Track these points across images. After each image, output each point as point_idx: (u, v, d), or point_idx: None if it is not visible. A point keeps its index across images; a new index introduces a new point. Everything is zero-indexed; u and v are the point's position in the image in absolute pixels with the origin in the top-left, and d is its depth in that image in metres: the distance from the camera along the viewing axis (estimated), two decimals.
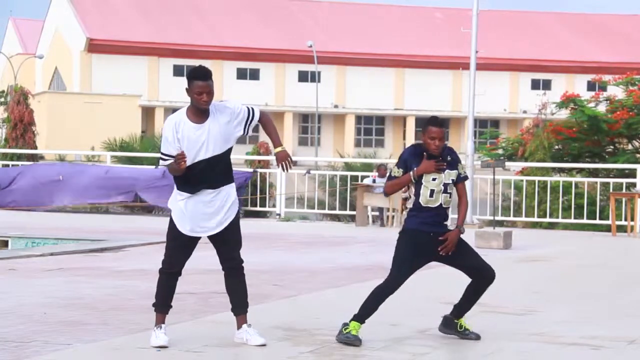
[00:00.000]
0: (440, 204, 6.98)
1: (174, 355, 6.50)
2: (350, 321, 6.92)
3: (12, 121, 26.35)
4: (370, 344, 6.84)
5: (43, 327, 7.42)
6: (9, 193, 23.57)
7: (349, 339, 6.84)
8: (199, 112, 6.68)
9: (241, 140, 7.03)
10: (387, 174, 7.09)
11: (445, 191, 6.98)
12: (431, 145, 6.97)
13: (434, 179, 6.95)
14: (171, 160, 6.68)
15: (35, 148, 26.85)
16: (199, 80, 6.61)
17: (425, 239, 6.97)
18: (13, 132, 26.32)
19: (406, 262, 6.98)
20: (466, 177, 7.18)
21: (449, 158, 7.04)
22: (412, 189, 7.04)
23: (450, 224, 7.17)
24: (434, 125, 6.99)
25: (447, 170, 6.99)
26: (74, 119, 64.01)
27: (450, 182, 7.01)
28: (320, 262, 12.96)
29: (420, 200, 6.98)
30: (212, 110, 6.71)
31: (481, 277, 7.10)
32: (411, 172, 6.95)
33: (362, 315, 6.95)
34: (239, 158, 24.15)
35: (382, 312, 7.09)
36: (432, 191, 6.95)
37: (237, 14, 78.36)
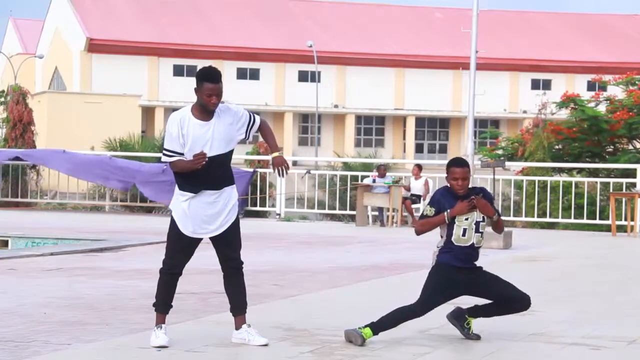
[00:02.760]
0: (473, 243, 6.99)
1: (174, 355, 6.50)
2: (365, 326, 6.91)
3: (12, 121, 26.38)
4: (371, 344, 6.84)
5: (43, 327, 7.42)
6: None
7: (357, 334, 6.84)
8: (205, 111, 6.70)
9: (241, 140, 7.04)
10: (420, 213, 7.07)
11: (477, 230, 6.98)
12: (455, 186, 6.97)
13: (466, 218, 6.96)
14: (177, 157, 6.68)
15: (34, 148, 26.87)
16: (210, 83, 6.62)
17: (457, 274, 6.99)
18: (12, 132, 26.35)
19: (435, 294, 6.99)
20: (499, 215, 7.15)
21: (480, 195, 7.02)
22: (444, 229, 7.03)
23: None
24: (457, 166, 6.98)
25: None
26: (74, 119, 63.95)
27: (482, 219, 7.00)
28: (320, 262, 12.96)
29: (452, 240, 6.98)
30: (216, 111, 6.73)
31: (518, 304, 7.16)
32: (445, 214, 6.92)
33: (378, 327, 6.93)
34: (239, 158, 24.16)
35: (381, 312, 7.08)
36: (464, 230, 6.96)
37: (237, 14, 78.37)
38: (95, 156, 24.24)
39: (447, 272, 6.99)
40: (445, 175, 7.12)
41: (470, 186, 7.08)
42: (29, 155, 24.23)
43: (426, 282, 7.06)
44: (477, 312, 7.22)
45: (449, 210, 6.93)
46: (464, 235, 6.97)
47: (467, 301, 7.33)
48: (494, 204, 7.15)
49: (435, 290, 6.99)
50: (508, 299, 7.12)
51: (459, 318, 7.22)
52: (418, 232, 7.11)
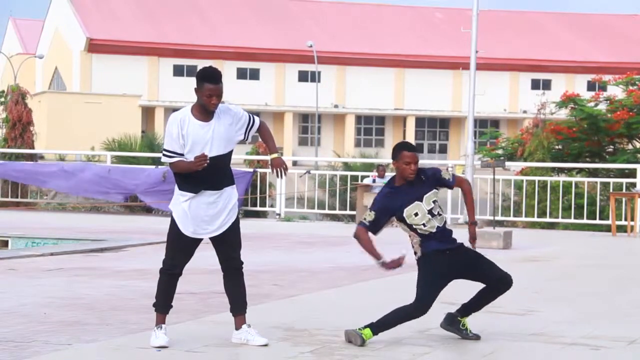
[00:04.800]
0: (438, 227, 6.98)
1: (174, 355, 6.50)
2: (365, 327, 6.90)
3: (11, 121, 26.36)
4: (371, 344, 6.84)
5: (43, 327, 7.42)
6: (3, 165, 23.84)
7: (357, 335, 6.83)
8: (205, 111, 6.70)
9: (240, 141, 7.04)
10: (362, 220, 7.09)
11: (433, 215, 6.97)
12: (407, 170, 6.94)
13: (416, 214, 6.95)
14: (177, 158, 6.68)
15: (33, 148, 26.84)
16: (211, 84, 6.61)
17: (443, 258, 6.97)
18: (12, 132, 26.32)
19: (430, 287, 6.95)
20: (453, 178, 7.10)
21: (422, 178, 7.01)
22: (407, 230, 7.03)
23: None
24: (408, 150, 6.97)
25: (424, 197, 6.97)
26: (74, 119, 63.99)
27: (433, 204, 6.98)
28: (320, 262, 12.95)
29: (421, 234, 6.97)
30: (216, 111, 6.73)
31: (501, 285, 7.12)
32: (379, 261, 6.92)
33: (378, 328, 6.92)
34: (239, 158, 24.13)
35: (381, 312, 7.08)
36: (423, 224, 6.96)
37: (237, 14, 78.39)
38: (93, 170, 23.96)
39: (435, 259, 6.95)
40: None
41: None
42: (30, 175, 23.92)
43: (418, 277, 7.01)
44: (467, 310, 7.21)
45: (382, 262, 6.88)
46: (425, 226, 6.96)
47: (456, 304, 7.33)
48: (441, 174, 7.07)
49: (429, 284, 6.95)
50: (493, 280, 7.08)
51: (453, 323, 7.20)
52: (356, 239, 7.09)
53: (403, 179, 6.99)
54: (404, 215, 6.93)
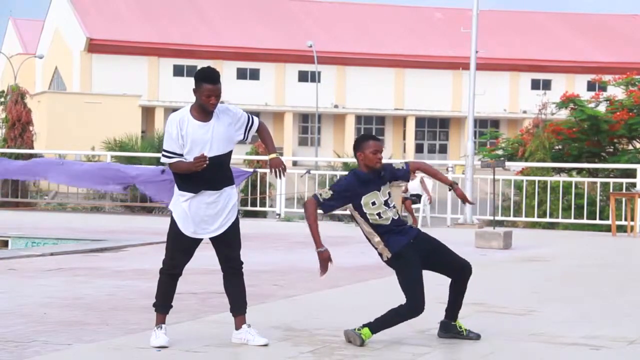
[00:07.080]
0: (393, 219, 7.02)
1: (174, 355, 6.50)
2: (363, 326, 6.90)
3: (10, 121, 26.38)
4: (371, 344, 6.84)
5: (43, 327, 7.42)
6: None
7: (356, 336, 6.83)
8: (204, 111, 6.70)
9: (239, 141, 7.05)
10: (316, 193, 7.15)
11: (388, 207, 7.02)
12: (374, 159, 7.01)
13: (373, 203, 6.99)
14: (177, 158, 6.68)
15: (33, 148, 26.84)
16: (209, 84, 6.62)
17: (411, 249, 6.99)
18: (11, 132, 26.35)
19: (414, 282, 6.93)
20: (407, 165, 7.21)
21: (382, 174, 7.06)
22: (363, 225, 7.07)
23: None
24: (373, 139, 7.08)
25: (382, 188, 7.03)
26: (74, 119, 63.97)
27: (388, 196, 7.05)
28: None
29: (374, 224, 6.99)
30: (215, 111, 6.73)
31: (462, 271, 7.13)
32: (320, 249, 7.11)
33: (376, 327, 6.92)
34: (238, 158, 24.13)
35: (381, 312, 7.08)
36: (378, 214, 6.99)
37: (237, 14, 78.39)
38: (93, 165, 24.01)
39: (405, 254, 6.95)
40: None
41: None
42: (29, 170, 23.90)
43: (400, 281, 6.99)
44: (452, 313, 7.21)
45: (321, 252, 7.13)
46: (380, 217, 6.99)
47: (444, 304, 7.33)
48: (394, 167, 7.17)
49: (412, 281, 6.92)
50: (457, 269, 7.10)
51: (449, 329, 7.20)
52: (304, 210, 7.19)
53: (369, 167, 7.04)
54: (362, 202, 7.00)
